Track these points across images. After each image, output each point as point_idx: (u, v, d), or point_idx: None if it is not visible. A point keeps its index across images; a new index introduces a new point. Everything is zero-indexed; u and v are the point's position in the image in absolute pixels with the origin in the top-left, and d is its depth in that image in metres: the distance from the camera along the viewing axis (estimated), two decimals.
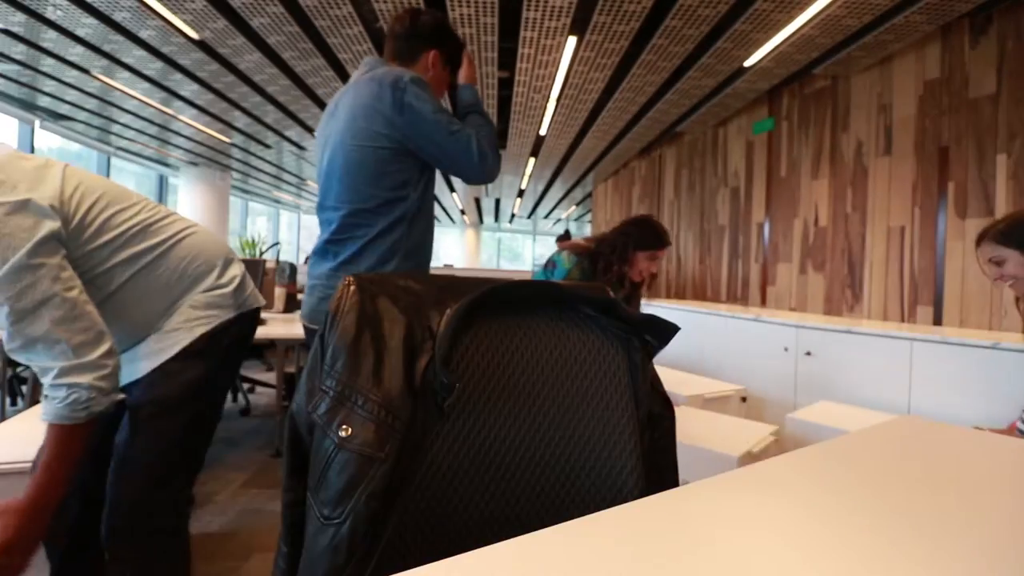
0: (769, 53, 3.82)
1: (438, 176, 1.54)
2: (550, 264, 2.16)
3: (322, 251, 1.48)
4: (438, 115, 1.38)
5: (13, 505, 0.95)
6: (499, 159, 1.49)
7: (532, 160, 8.07)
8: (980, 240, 1.83)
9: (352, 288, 0.57)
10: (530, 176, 9.40)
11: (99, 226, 1.07)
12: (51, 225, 0.97)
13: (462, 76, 1.59)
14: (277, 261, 3.76)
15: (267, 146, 8.09)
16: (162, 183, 10.68)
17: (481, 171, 1.43)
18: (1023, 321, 1.74)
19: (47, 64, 5.05)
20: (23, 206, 0.94)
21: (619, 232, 2.09)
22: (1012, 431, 1.78)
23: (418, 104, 1.36)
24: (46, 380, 0.97)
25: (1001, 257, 1.75)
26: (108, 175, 8.61)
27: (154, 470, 1.12)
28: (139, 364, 1.13)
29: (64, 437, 0.97)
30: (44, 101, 6.28)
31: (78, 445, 0.99)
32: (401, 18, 1.52)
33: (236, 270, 1.27)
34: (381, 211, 1.40)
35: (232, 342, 1.23)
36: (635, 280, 2.10)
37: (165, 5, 3.66)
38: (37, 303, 0.93)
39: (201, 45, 4.35)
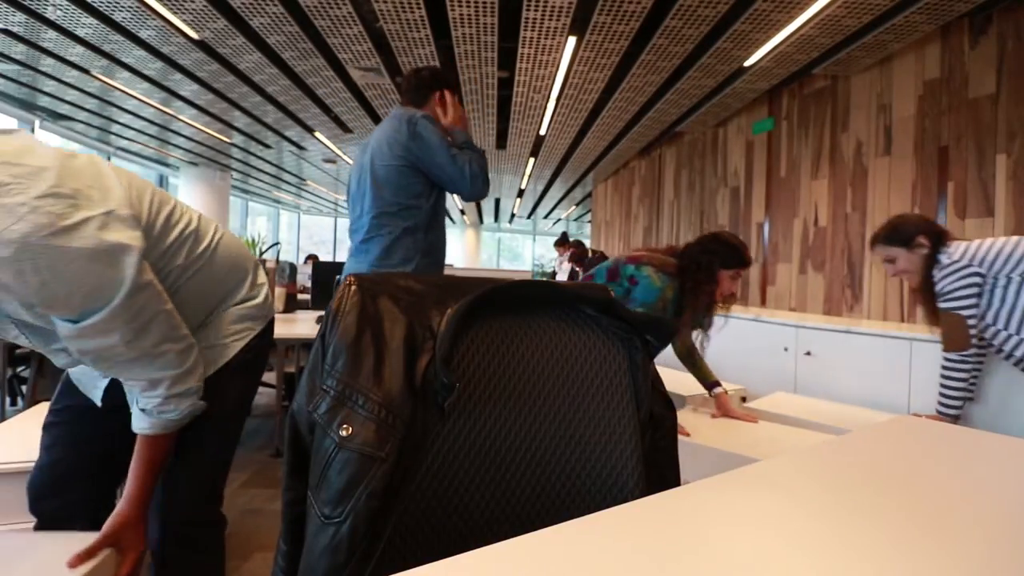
0: (769, 53, 3.82)
1: None
2: (627, 278, 1.94)
3: (357, 251, 1.88)
4: (441, 143, 1.79)
5: (127, 520, 0.96)
6: (488, 182, 1.88)
7: (532, 160, 8.07)
8: (873, 244, 2.08)
9: (353, 288, 0.57)
10: (530, 176, 9.41)
11: (160, 229, 0.98)
12: (140, 237, 0.88)
13: (448, 120, 1.92)
14: (277, 261, 3.76)
15: (267, 146, 8.10)
16: (162, 183, 10.68)
17: (471, 189, 1.82)
18: (922, 310, 2.01)
19: (47, 64, 5.05)
20: (109, 218, 0.84)
21: (702, 249, 1.95)
22: (938, 418, 1.89)
23: (426, 134, 1.78)
24: (156, 392, 0.94)
25: (892, 255, 2.01)
26: None
27: (203, 488, 1.10)
28: None
29: (163, 441, 0.99)
30: (44, 101, 6.28)
31: (169, 444, 1.01)
32: (408, 76, 1.98)
33: (262, 276, 1.23)
34: (401, 215, 1.81)
35: (262, 353, 1.20)
36: (714, 300, 1.99)
37: (165, 5, 3.66)
38: (147, 321, 0.89)
39: (201, 45, 4.35)
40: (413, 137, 1.77)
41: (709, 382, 2.13)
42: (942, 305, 1.87)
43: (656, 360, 0.70)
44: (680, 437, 1.74)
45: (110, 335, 0.86)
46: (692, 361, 2.15)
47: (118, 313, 0.84)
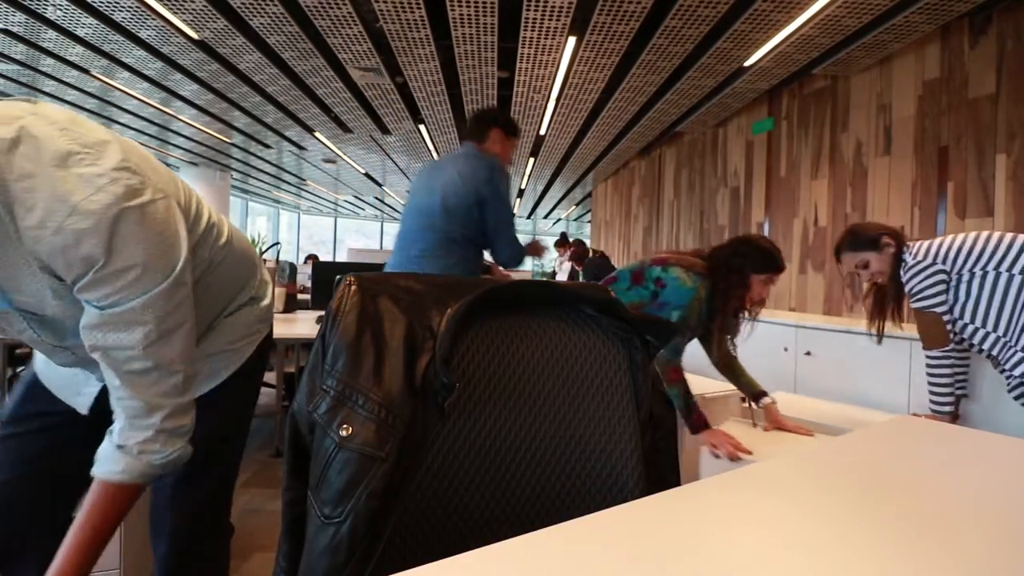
0: (769, 53, 3.81)
1: None
2: (654, 281, 1.82)
3: (410, 261, 2.13)
4: (506, 204, 2.14)
5: None
6: (519, 261, 2.28)
7: (532, 160, 8.07)
8: (838, 257, 2.09)
9: (353, 288, 0.57)
10: (530, 176, 9.40)
11: (193, 218, 0.89)
12: (186, 224, 0.82)
13: (536, 250, 2.40)
14: (277, 261, 3.76)
15: (267, 146, 8.09)
16: None
17: (505, 249, 2.19)
18: (868, 309, 2.08)
19: (47, 64, 5.05)
20: (169, 201, 0.78)
21: (733, 252, 1.84)
22: (936, 418, 1.90)
23: (501, 187, 2.12)
24: (149, 421, 0.79)
25: (864, 260, 2.01)
26: None
27: (212, 504, 1.07)
28: None
29: (127, 497, 0.81)
30: (44, 101, 6.27)
31: (127, 509, 0.83)
32: (473, 115, 2.35)
33: (266, 275, 1.17)
34: (462, 243, 2.13)
35: (266, 355, 1.15)
36: (743, 305, 1.90)
37: (165, 5, 3.66)
38: (176, 325, 0.80)
39: (201, 45, 4.34)
40: (488, 183, 2.08)
41: (755, 392, 1.99)
42: (915, 305, 1.91)
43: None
44: (705, 447, 1.70)
45: (135, 329, 0.76)
46: (732, 370, 2.04)
47: (156, 302, 0.77)
